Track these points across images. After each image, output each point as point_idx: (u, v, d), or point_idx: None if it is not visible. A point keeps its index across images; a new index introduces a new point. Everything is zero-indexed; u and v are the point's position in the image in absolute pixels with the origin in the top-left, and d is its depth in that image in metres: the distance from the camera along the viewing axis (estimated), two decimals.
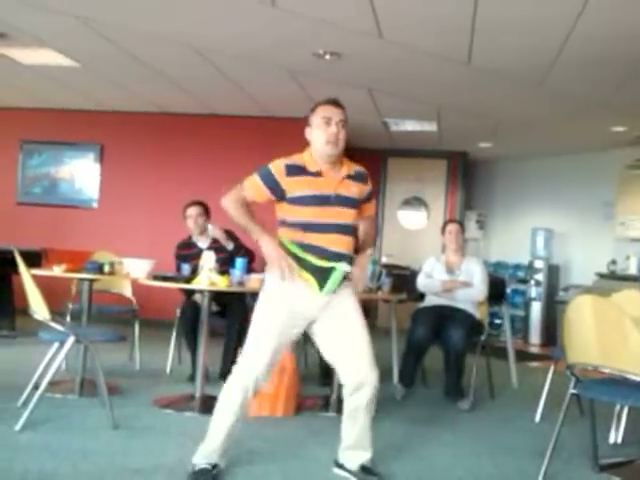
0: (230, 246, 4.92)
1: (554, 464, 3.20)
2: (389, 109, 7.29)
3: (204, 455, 2.91)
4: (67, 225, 8.14)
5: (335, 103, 3.02)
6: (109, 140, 8.33)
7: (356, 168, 3.08)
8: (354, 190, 3.01)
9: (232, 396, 2.89)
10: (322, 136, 2.94)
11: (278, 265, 2.85)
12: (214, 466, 2.89)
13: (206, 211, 5.15)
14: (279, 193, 2.94)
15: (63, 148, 8.42)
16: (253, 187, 2.97)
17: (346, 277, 2.97)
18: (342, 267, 2.91)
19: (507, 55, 5.13)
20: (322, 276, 2.89)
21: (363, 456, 3.01)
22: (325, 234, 2.90)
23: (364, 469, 3.01)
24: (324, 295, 2.91)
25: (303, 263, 2.90)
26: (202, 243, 5.11)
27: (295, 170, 2.94)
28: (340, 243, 2.93)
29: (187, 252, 5.06)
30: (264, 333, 2.91)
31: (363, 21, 4.56)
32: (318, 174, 2.94)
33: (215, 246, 4.88)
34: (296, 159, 2.99)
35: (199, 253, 4.79)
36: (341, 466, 3.07)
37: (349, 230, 2.99)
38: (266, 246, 2.89)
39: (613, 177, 8.43)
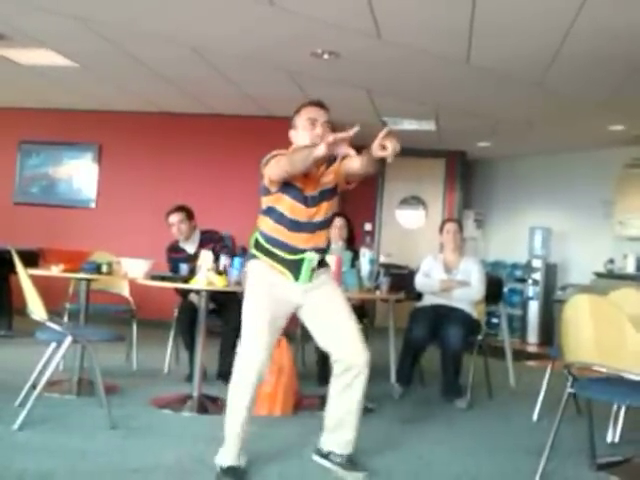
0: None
1: (551, 463, 3.20)
2: (387, 108, 7.29)
3: (226, 456, 2.94)
4: (65, 225, 8.13)
5: (319, 104, 3.02)
6: (107, 140, 8.33)
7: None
8: (331, 177, 3.00)
9: (241, 390, 2.92)
10: (307, 138, 2.94)
11: (329, 141, 2.56)
12: (238, 465, 2.93)
13: (189, 215, 5.11)
14: None
15: (61, 148, 8.41)
16: (280, 154, 2.88)
17: (322, 264, 3.03)
18: (311, 256, 2.95)
19: (505, 54, 5.13)
20: (294, 267, 2.95)
21: (349, 436, 3.03)
22: (299, 233, 2.94)
23: (351, 462, 3.03)
24: (301, 284, 2.97)
25: (273, 256, 2.96)
26: (189, 248, 5.09)
27: None
28: (311, 241, 2.96)
29: (176, 256, 5.05)
30: (257, 321, 2.95)
31: (361, 21, 4.56)
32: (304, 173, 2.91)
33: (205, 248, 4.83)
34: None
35: (187, 258, 4.80)
36: (326, 456, 3.09)
37: (324, 225, 3.02)
38: (318, 148, 2.60)
39: (612, 176, 8.43)
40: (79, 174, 8.40)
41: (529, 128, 7.83)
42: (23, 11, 4.86)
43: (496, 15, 4.33)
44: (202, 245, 4.94)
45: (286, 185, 2.91)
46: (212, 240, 5.01)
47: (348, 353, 2.99)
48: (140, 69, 6.27)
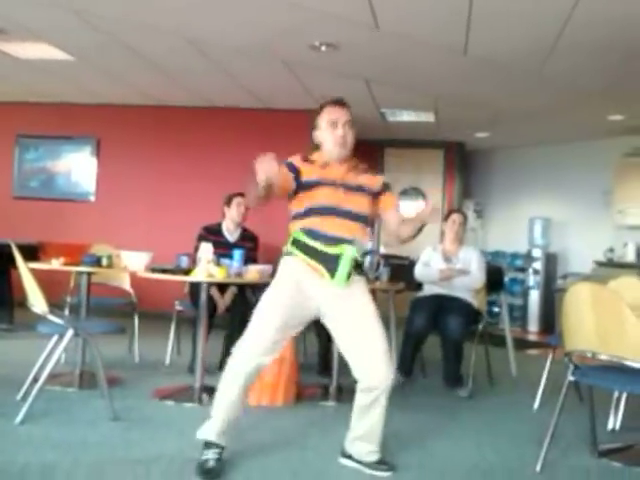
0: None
1: (553, 450, 3.22)
2: (386, 100, 7.28)
3: (209, 430, 2.92)
4: (64, 219, 8.13)
5: (340, 103, 3.08)
6: (105, 133, 8.32)
7: (364, 166, 3.14)
8: (362, 180, 3.06)
9: (229, 382, 2.90)
10: (330, 139, 3.02)
11: (261, 166, 2.61)
12: (220, 452, 2.90)
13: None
14: (298, 175, 2.95)
15: (59, 142, 8.40)
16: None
17: (358, 268, 2.93)
18: (349, 252, 2.85)
19: (504, 44, 5.12)
20: (331, 263, 2.86)
21: (372, 448, 3.02)
22: (327, 217, 2.91)
23: (379, 463, 3.03)
24: (336, 284, 2.86)
25: (311, 251, 2.90)
26: (230, 235, 5.14)
27: (307, 160, 3.02)
28: (344, 228, 2.91)
29: (213, 238, 4.81)
30: (269, 311, 2.92)
31: (359, 12, 4.55)
32: (326, 164, 3.02)
33: (242, 244, 4.84)
34: (306, 155, 3.07)
35: (225, 244, 4.80)
36: (349, 457, 3.08)
37: (355, 217, 2.98)
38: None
39: (611, 165, 8.43)
40: (78, 168, 8.40)
41: (528, 118, 7.82)
42: (19, 5, 4.84)
43: (494, 5, 4.32)
44: (243, 240, 5.06)
45: (307, 179, 2.95)
46: (251, 240, 5.10)
47: (370, 376, 2.94)
48: (137, 62, 6.25)
